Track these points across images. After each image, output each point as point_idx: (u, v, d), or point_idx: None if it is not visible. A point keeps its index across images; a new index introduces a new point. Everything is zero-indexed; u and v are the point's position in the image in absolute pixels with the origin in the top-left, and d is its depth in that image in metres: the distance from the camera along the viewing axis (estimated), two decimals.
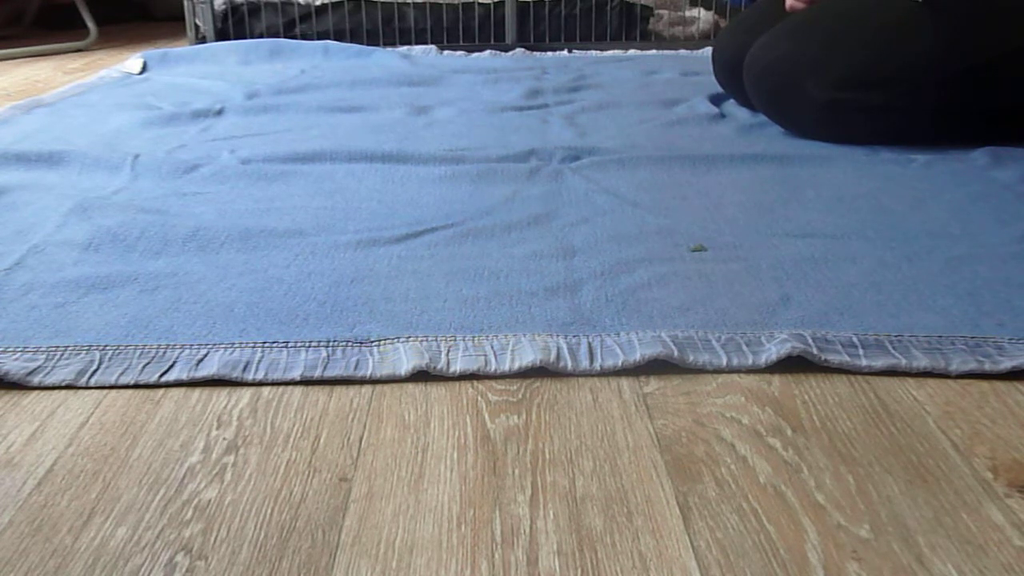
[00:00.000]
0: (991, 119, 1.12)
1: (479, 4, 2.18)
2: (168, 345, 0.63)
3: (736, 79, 1.31)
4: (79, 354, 0.62)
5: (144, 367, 0.61)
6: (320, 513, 0.47)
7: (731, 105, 1.42)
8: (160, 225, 0.86)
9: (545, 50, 2.15)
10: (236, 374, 0.60)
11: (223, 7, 2.20)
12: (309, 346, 0.63)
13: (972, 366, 0.60)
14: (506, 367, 0.60)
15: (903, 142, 1.14)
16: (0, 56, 2.11)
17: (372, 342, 0.64)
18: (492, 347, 0.63)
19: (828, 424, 0.54)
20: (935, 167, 1.04)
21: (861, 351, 0.62)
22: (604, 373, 0.60)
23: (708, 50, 2.05)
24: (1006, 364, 0.60)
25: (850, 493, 0.48)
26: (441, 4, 2.19)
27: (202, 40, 2.22)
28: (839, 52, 1.12)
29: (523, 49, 2.15)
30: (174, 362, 0.61)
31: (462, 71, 1.79)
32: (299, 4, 2.20)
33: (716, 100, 1.44)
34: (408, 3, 2.18)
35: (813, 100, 1.13)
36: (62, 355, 0.62)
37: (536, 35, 2.19)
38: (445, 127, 1.29)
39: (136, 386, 0.60)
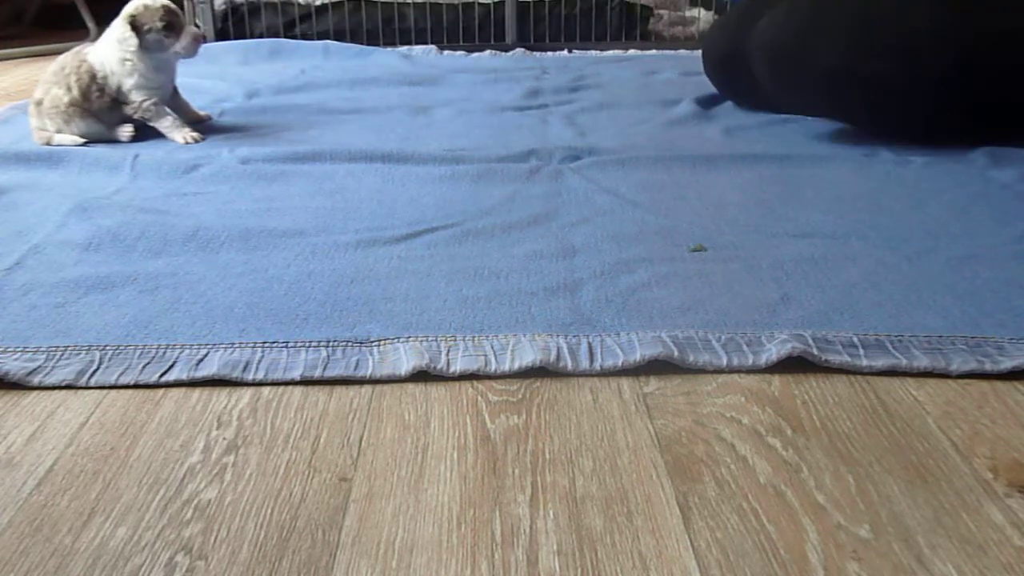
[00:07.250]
0: (990, 113, 1.11)
1: (479, 4, 2.18)
2: (168, 345, 0.63)
3: (729, 74, 1.30)
4: (79, 354, 0.62)
5: (144, 367, 0.61)
6: (320, 513, 0.47)
7: (730, 105, 1.41)
8: (160, 225, 0.86)
9: (545, 50, 2.15)
10: (236, 374, 0.60)
11: (223, 7, 2.20)
12: (309, 346, 0.63)
13: (972, 366, 0.60)
14: (506, 367, 0.60)
15: (901, 128, 1.14)
16: (0, 56, 2.11)
17: (372, 342, 0.64)
18: (492, 347, 0.63)
19: (828, 424, 0.54)
20: (935, 167, 1.04)
21: (861, 351, 0.62)
22: (604, 373, 0.60)
23: None
24: (1006, 364, 0.60)
25: (850, 493, 0.48)
26: (441, 4, 2.19)
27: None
28: (852, 19, 1.10)
29: (523, 49, 2.15)
30: (174, 362, 0.61)
31: (462, 71, 1.79)
32: (299, 4, 2.20)
33: (715, 100, 1.44)
34: (408, 3, 2.18)
35: (820, 67, 1.11)
36: (62, 355, 0.62)
37: (536, 35, 2.19)
38: (445, 127, 1.29)
39: (136, 386, 0.59)
